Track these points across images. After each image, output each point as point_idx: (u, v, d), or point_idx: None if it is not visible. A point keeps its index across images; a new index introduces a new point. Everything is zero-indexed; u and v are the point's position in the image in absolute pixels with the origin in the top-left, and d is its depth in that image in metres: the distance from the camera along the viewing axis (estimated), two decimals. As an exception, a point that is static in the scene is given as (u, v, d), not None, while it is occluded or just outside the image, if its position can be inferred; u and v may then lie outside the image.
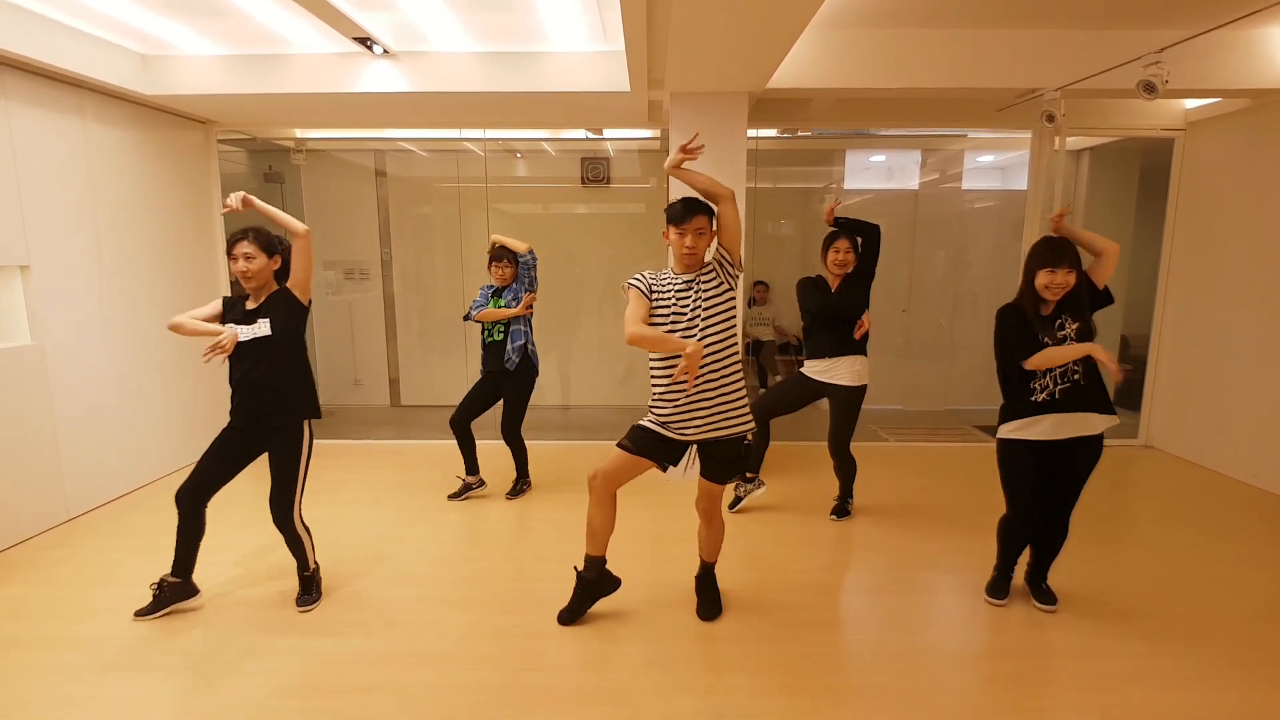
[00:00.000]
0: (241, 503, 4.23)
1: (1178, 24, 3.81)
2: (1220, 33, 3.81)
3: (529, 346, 4.11)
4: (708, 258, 2.65)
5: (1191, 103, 4.94)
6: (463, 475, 4.28)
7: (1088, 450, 2.75)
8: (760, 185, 6.59)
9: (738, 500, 3.96)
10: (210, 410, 5.15)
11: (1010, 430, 2.85)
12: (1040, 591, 2.95)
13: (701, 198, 2.60)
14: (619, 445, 2.69)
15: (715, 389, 2.56)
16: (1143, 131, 5.15)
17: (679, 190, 4.17)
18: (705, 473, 2.71)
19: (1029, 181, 5.22)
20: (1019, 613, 2.90)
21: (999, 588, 3.00)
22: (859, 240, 3.65)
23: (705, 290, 2.57)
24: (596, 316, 6.78)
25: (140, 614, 2.84)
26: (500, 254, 4.07)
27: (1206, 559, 3.42)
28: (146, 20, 3.79)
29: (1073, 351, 2.63)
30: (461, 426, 4.16)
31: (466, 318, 4.16)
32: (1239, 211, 4.65)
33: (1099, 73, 3.93)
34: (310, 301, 2.91)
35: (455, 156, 6.63)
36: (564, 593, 3.06)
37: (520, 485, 4.33)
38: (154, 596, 2.87)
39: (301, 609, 2.90)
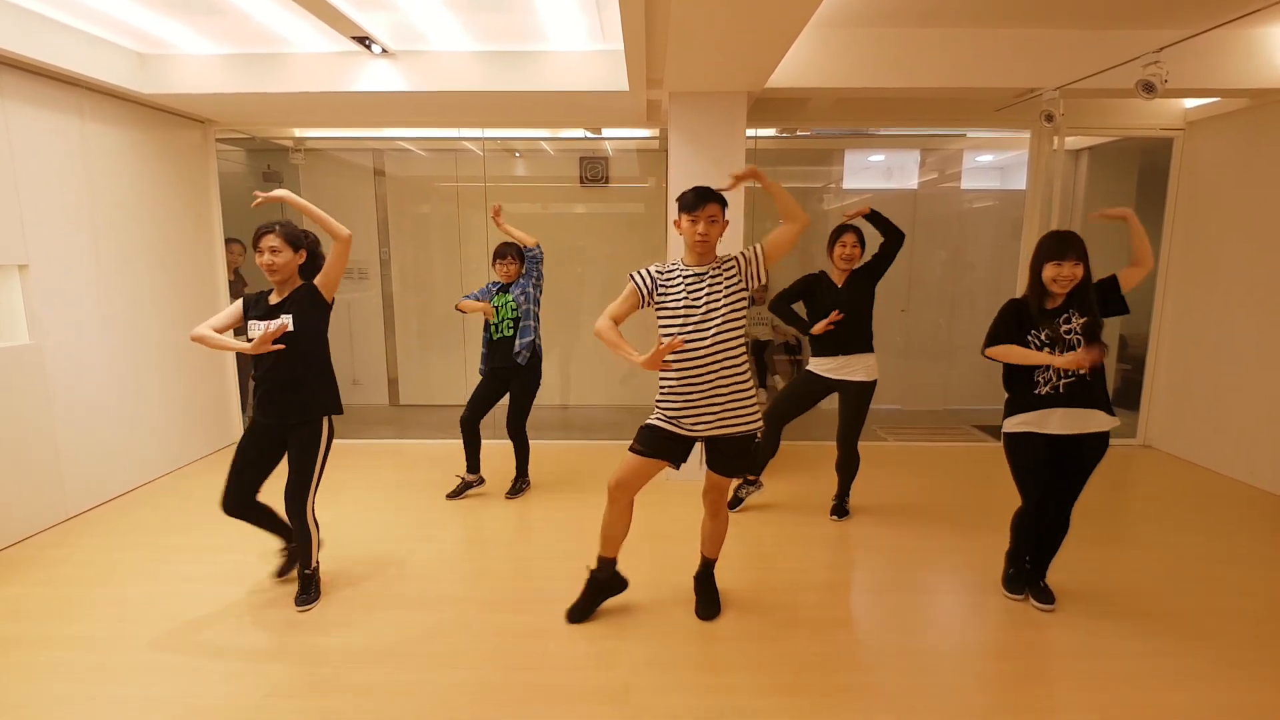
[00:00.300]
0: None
1: (1177, 23, 3.82)
2: (1219, 32, 3.81)
3: (537, 343, 4.12)
4: (720, 250, 2.63)
5: (1190, 102, 4.95)
6: (462, 474, 4.28)
7: (1094, 445, 2.75)
8: (759, 185, 6.58)
9: (738, 501, 3.96)
10: (209, 409, 5.15)
11: (1016, 424, 2.82)
12: (1039, 590, 2.95)
13: (781, 209, 2.59)
14: (631, 449, 2.66)
15: (727, 386, 2.54)
16: (1142, 131, 5.15)
17: (679, 191, 4.18)
18: (713, 466, 2.71)
19: (1028, 181, 5.23)
20: (1018, 612, 2.90)
21: (1017, 583, 3.01)
22: (863, 234, 3.64)
23: (722, 284, 2.55)
24: (595, 316, 6.75)
25: (280, 575, 3.12)
26: (505, 250, 4.06)
27: (1205, 558, 3.42)
28: (144, 19, 3.78)
29: (1034, 356, 2.67)
30: (472, 425, 4.16)
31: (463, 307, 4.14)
32: (1238, 211, 4.65)
33: (1098, 72, 3.93)
34: (333, 300, 2.90)
35: (454, 156, 6.63)
36: (563, 591, 3.06)
37: (519, 485, 4.33)
38: (286, 560, 3.14)
39: (300, 608, 2.90)
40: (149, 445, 4.54)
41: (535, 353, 4.11)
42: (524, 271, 4.09)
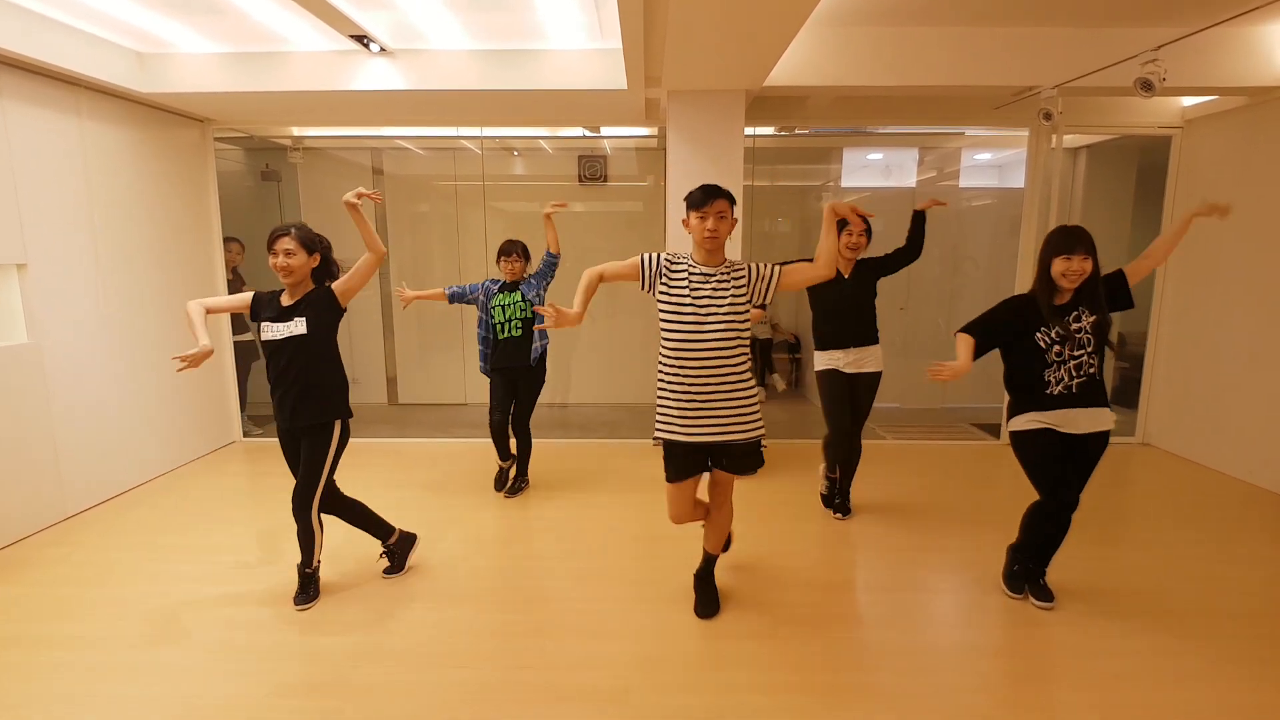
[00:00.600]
0: (239, 501, 4.23)
1: (1175, 22, 3.82)
2: (1217, 30, 3.82)
3: (545, 343, 4.17)
4: (729, 251, 2.61)
5: (1189, 100, 4.95)
6: (502, 463, 4.27)
7: (1098, 441, 2.76)
8: (758, 183, 6.59)
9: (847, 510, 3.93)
10: (208, 409, 5.15)
11: (1028, 422, 2.77)
12: (1038, 588, 2.95)
13: (824, 250, 2.57)
14: (666, 479, 2.71)
15: (726, 392, 2.52)
16: (1140, 129, 5.16)
17: (678, 189, 4.19)
18: (719, 465, 2.67)
19: (1026, 179, 5.23)
20: (1017, 610, 2.91)
21: (1019, 581, 3.00)
22: (870, 224, 3.64)
23: (728, 288, 2.51)
24: (594, 314, 6.78)
25: (388, 573, 3.20)
26: (511, 247, 4.04)
27: (1204, 556, 3.43)
28: (143, 18, 3.78)
29: (962, 365, 2.65)
30: (504, 427, 4.15)
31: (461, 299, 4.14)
32: (1236, 209, 4.61)
33: (1096, 70, 3.93)
34: (347, 307, 2.92)
35: (452, 154, 6.62)
36: (563, 590, 3.07)
37: (519, 483, 4.33)
38: (390, 561, 3.22)
39: (299, 607, 2.90)
40: (148, 445, 4.53)
41: (543, 353, 4.15)
42: (540, 273, 4.08)
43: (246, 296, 2.89)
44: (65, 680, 2.44)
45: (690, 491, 2.71)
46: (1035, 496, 2.88)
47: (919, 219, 3.73)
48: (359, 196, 2.76)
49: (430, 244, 6.79)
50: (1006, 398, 2.93)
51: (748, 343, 2.58)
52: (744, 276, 2.55)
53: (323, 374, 2.86)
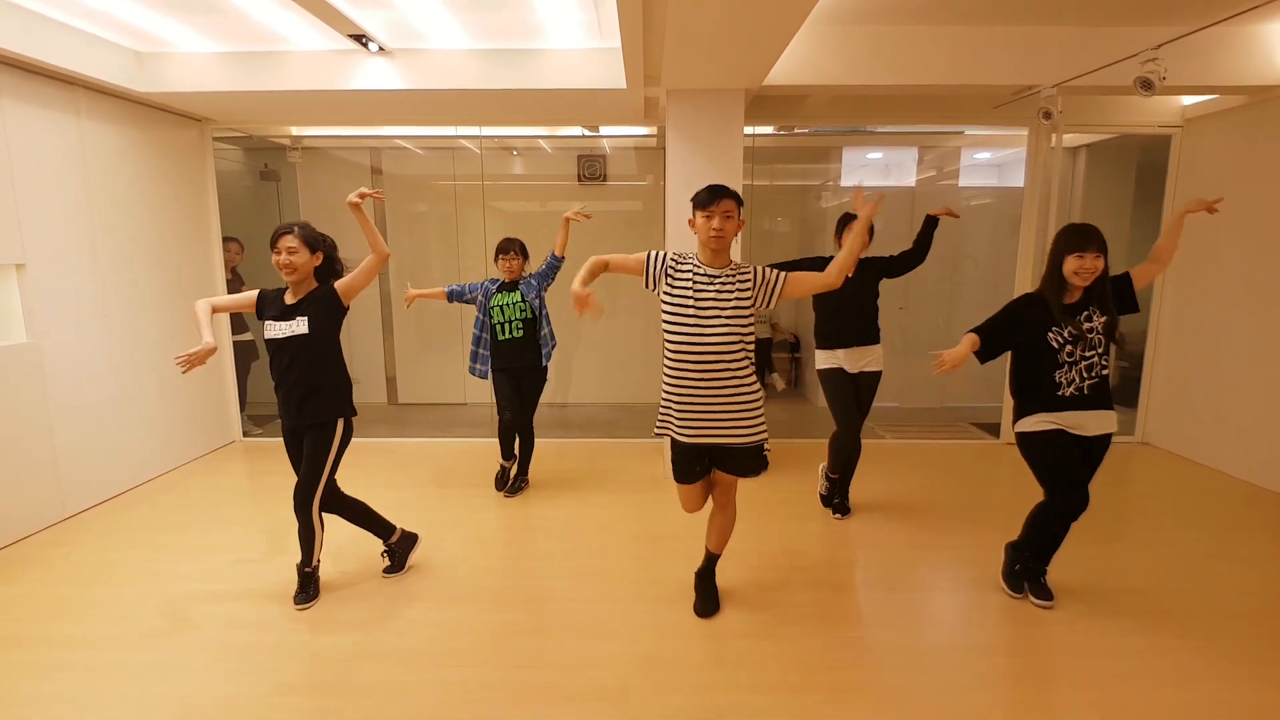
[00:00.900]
0: (239, 500, 4.23)
1: (1175, 20, 3.81)
2: (1217, 29, 3.81)
3: (554, 345, 4.21)
4: (736, 253, 2.64)
5: (1189, 99, 4.95)
6: (504, 462, 4.26)
7: (1102, 440, 2.76)
8: (757, 182, 6.59)
9: (847, 510, 3.93)
10: (207, 409, 5.14)
11: (1039, 423, 2.74)
12: (1038, 587, 2.95)
13: (839, 265, 2.55)
14: (675, 480, 2.75)
15: (728, 396, 2.50)
16: (1140, 128, 5.15)
17: (677, 188, 4.18)
18: (722, 467, 2.66)
19: (1026, 178, 5.23)
20: (1017, 609, 2.91)
21: (1019, 580, 3.00)
22: (873, 228, 3.64)
23: (733, 291, 2.48)
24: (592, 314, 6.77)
25: (388, 572, 3.20)
26: (509, 245, 4.04)
27: (1204, 555, 3.43)
28: (142, 17, 3.77)
29: (962, 349, 2.66)
30: (513, 427, 4.15)
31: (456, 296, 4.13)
32: (1236, 208, 4.65)
33: (1096, 69, 3.93)
34: (349, 306, 2.92)
35: (451, 154, 6.61)
36: (563, 590, 3.07)
37: (519, 483, 4.33)
38: (390, 560, 3.22)
39: (299, 607, 2.90)
40: (147, 444, 4.53)
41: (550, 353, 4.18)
42: (541, 274, 4.07)
43: (251, 295, 2.89)
44: (65, 680, 2.44)
45: (699, 490, 2.75)
46: (1036, 496, 2.88)
47: (930, 224, 3.74)
48: (361, 196, 2.76)
49: (429, 243, 6.79)
50: (1009, 398, 2.92)
51: (752, 346, 2.55)
52: (749, 281, 2.51)
53: (326, 374, 2.86)
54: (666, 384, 2.58)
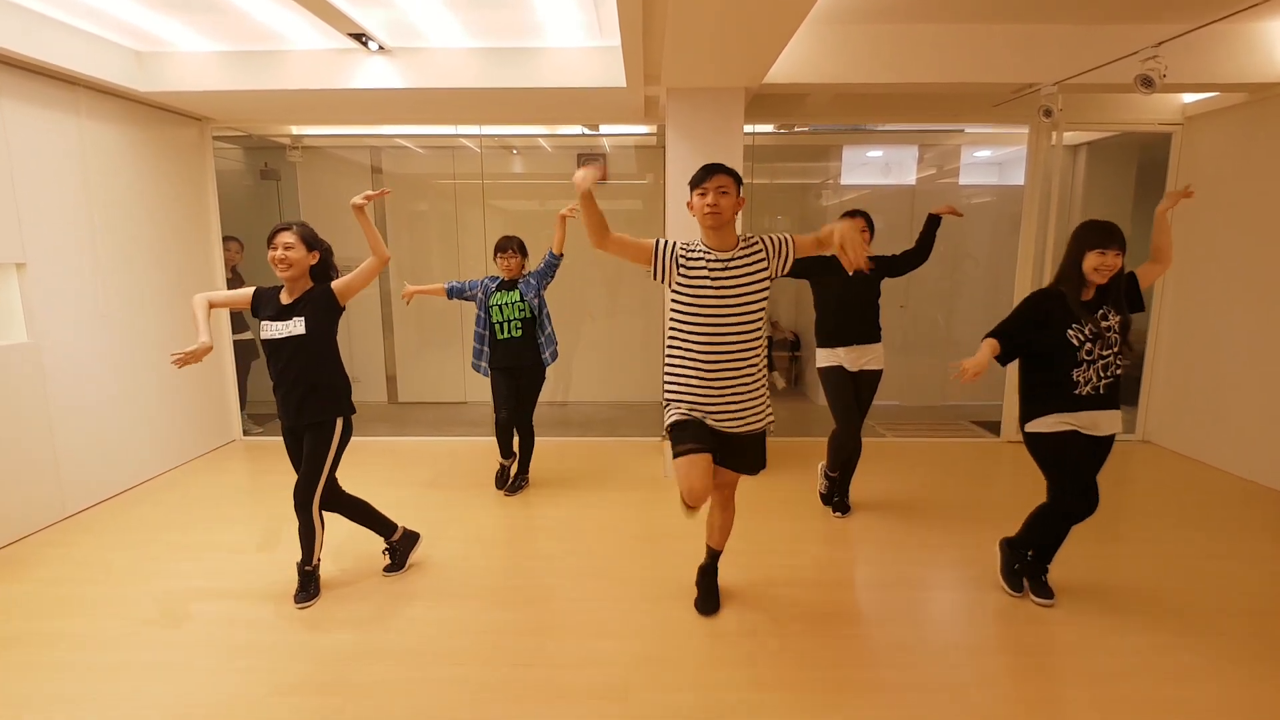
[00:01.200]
0: (239, 499, 4.23)
1: (1175, 18, 3.81)
2: (1218, 27, 3.81)
3: (555, 347, 4.21)
4: (738, 226, 2.52)
5: (1189, 97, 4.94)
6: (504, 460, 4.27)
7: (1109, 442, 2.76)
8: (757, 181, 6.58)
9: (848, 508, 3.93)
10: (207, 408, 5.15)
11: (1054, 424, 2.71)
12: (1039, 585, 2.95)
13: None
14: (677, 455, 2.46)
15: (747, 380, 2.45)
16: (1140, 126, 5.15)
17: (677, 187, 4.18)
18: (726, 463, 2.61)
19: (1026, 177, 5.22)
20: (1017, 607, 2.91)
21: (1019, 579, 2.99)
22: (872, 220, 3.65)
23: (749, 268, 2.41)
24: (594, 313, 6.78)
25: (389, 571, 3.20)
26: (507, 243, 4.03)
27: (1204, 554, 3.43)
28: (141, 17, 3.77)
29: (983, 356, 2.59)
30: (510, 425, 4.16)
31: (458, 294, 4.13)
32: (1236, 206, 4.65)
33: (1096, 67, 3.93)
34: (345, 306, 2.92)
35: (451, 153, 6.61)
36: (563, 589, 3.07)
37: (519, 481, 4.33)
38: (391, 559, 3.22)
39: (299, 605, 2.90)
40: (147, 443, 4.53)
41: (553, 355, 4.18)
42: (540, 272, 4.06)
43: (248, 292, 2.89)
44: (65, 679, 2.44)
45: (709, 463, 2.46)
46: (1038, 494, 2.88)
47: (933, 223, 3.74)
48: (367, 199, 2.76)
49: (429, 242, 6.79)
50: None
51: (763, 323, 2.49)
52: (761, 252, 2.45)
53: (324, 373, 2.86)
54: (681, 377, 2.49)
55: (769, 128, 5.93)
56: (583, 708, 2.29)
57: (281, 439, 3.01)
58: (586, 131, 6.21)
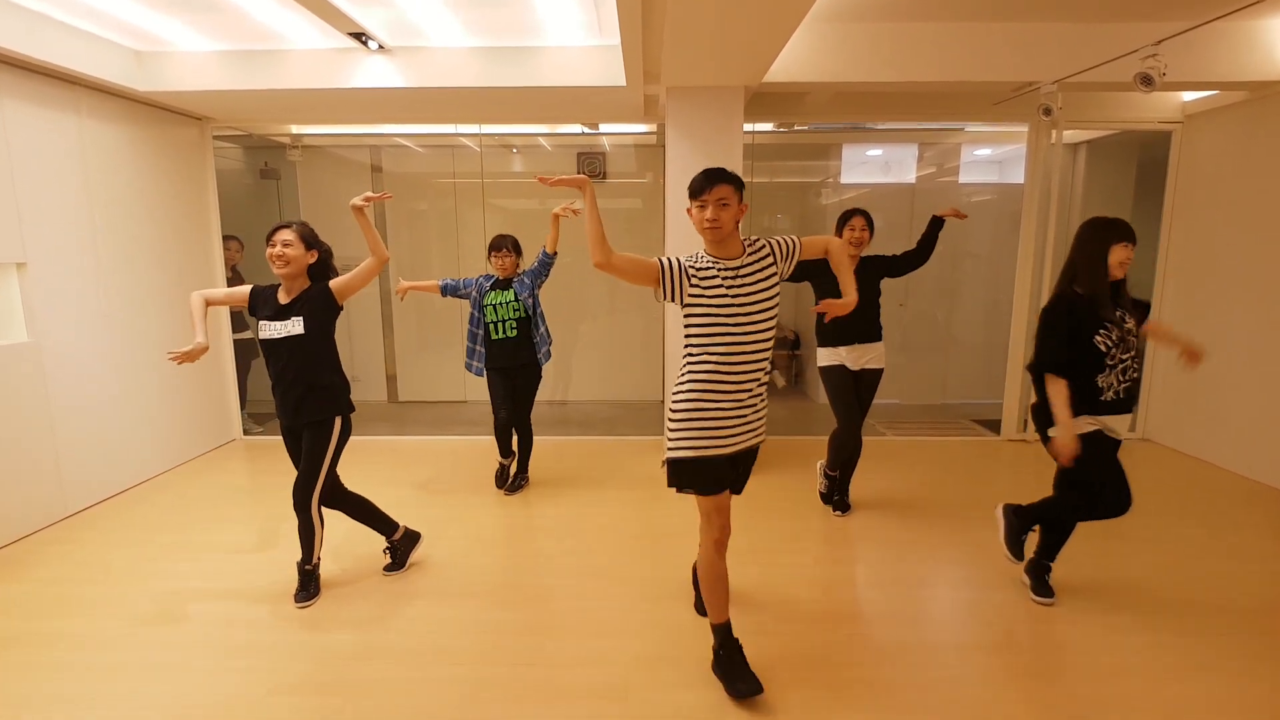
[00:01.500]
0: (239, 498, 4.23)
1: (1175, 16, 3.81)
2: (1217, 25, 3.81)
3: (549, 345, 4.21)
4: (736, 226, 2.37)
5: (1189, 95, 4.94)
6: (503, 459, 4.28)
7: (1117, 440, 2.76)
8: (757, 180, 6.58)
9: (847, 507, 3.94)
10: (208, 407, 5.15)
11: (1080, 425, 2.65)
12: (1041, 584, 2.94)
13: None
14: (700, 494, 2.34)
15: (761, 387, 2.35)
16: (1140, 125, 5.15)
17: (677, 186, 4.18)
18: (734, 488, 2.46)
19: (1026, 175, 5.22)
20: (1017, 605, 2.91)
21: (1021, 548, 2.95)
22: (871, 218, 3.65)
23: (761, 274, 2.29)
24: (592, 313, 6.78)
25: (389, 570, 3.20)
26: (502, 242, 4.02)
27: (1205, 552, 3.43)
28: (141, 16, 3.77)
29: (1061, 411, 2.55)
30: (509, 425, 4.16)
31: (451, 292, 4.12)
32: (1236, 204, 4.65)
33: (1096, 66, 3.93)
34: (343, 305, 2.92)
35: (451, 152, 6.61)
36: (563, 588, 3.07)
37: (519, 480, 4.33)
38: (392, 558, 3.22)
39: (299, 605, 2.90)
40: (148, 443, 4.54)
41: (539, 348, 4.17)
42: (534, 271, 4.05)
43: (245, 290, 2.89)
44: (64, 679, 2.45)
45: (724, 507, 2.38)
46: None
47: (936, 225, 3.74)
48: (367, 200, 2.76)
49: (429, 241, 6.79)
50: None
51: (776, 326, 2.39)
52: (769, 257, 2.34)
53: (322, 372, 2.86)
54: (701, 397, 2.28)
55: (769, 126, 5.93)
56: (582, 707, 2.29)
57: (281, 438, 3.01)
58: (586, 130, 6.21)
